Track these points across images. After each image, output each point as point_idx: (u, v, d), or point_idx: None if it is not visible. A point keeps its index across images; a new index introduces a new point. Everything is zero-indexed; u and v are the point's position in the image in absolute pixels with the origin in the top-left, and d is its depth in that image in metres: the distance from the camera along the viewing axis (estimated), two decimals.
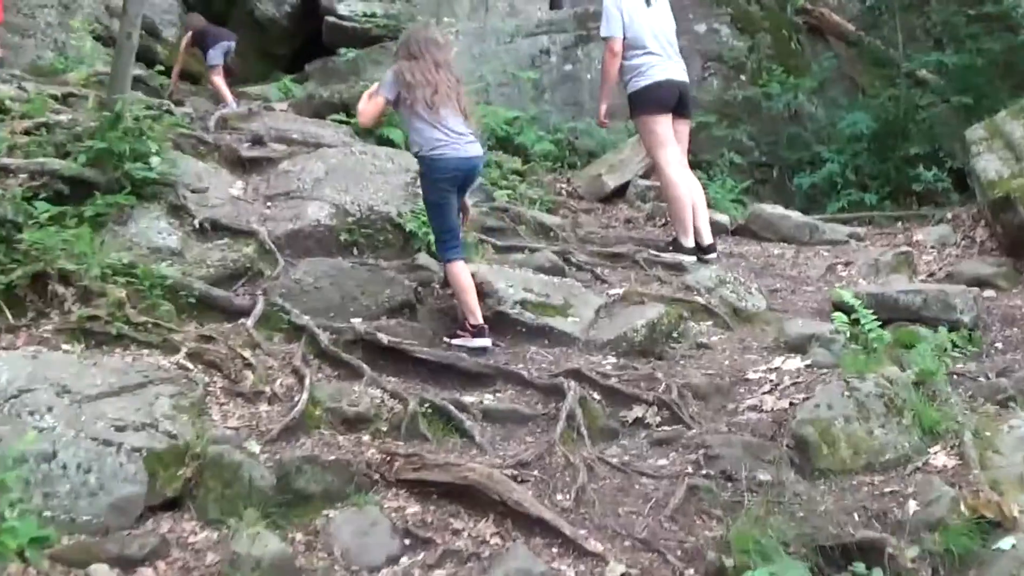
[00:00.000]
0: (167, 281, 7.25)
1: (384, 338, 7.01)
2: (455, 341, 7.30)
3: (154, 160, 8.46)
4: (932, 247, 10.81)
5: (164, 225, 8.21)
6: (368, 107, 7.63)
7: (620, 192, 12.86)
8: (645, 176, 12.97)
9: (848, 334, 7.14)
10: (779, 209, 11.62)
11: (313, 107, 12.71)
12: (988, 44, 13.60)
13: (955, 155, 13.06)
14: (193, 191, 8.68)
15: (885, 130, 13.86)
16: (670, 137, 9.68)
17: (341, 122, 12.10)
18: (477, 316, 7.32)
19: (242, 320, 7.16)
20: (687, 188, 9.65)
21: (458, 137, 7.34)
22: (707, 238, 9.77)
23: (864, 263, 10.08)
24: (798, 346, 7.49)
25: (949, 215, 11.70)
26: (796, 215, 11.45)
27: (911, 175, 13.28)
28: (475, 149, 7.48)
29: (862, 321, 6.80)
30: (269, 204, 9.08)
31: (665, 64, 9.69)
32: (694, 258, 9.55)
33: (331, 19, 16.29)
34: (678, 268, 9.23)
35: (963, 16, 13.95)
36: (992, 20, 13.79)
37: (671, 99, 9.70)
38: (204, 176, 9.18)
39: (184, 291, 7.30)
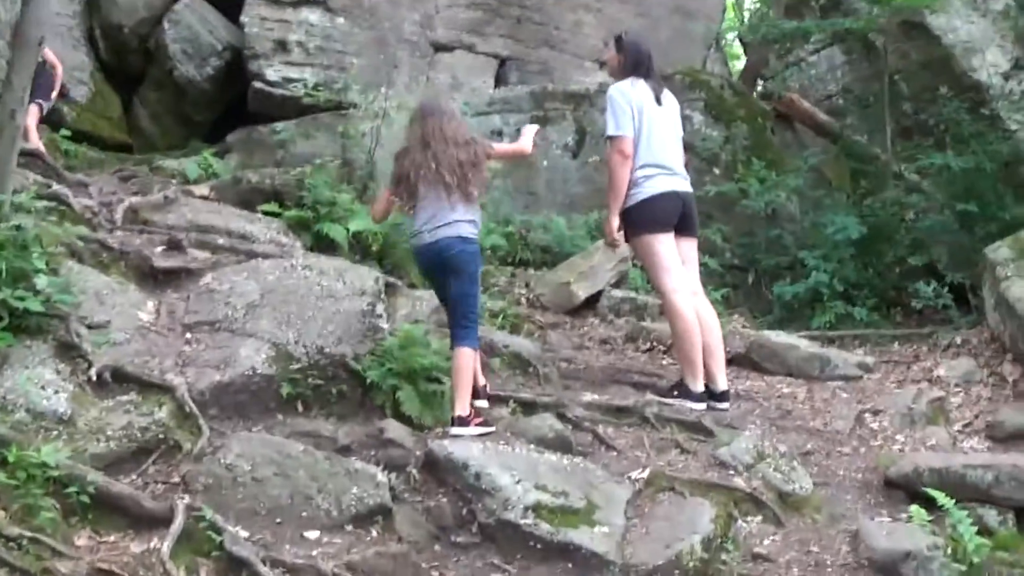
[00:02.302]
0: (52, 471, 5.02)
1: None
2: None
3: (40, 281, 6.27)
4: (957, 385, 8.89)
5: (50, 376, 5.95)
6: (378, 205, 7.42)
7: (590, 303, 10.77)
8: (617, 285, 11.00)
9: (948, 549, 5.49)
10: (784, 337, 9.62)
11: (240, 193, 10.44)
12: (996, 146, 11.71)
13: (954, 267, 11.34)
14: (90, 326, 6.35)
15: (873, 236, 11.99)
16: (675, 259, 7.79)
17: (272, 214, 9.89)
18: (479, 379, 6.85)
19: (155, 542, 4.90)
20: (698, 321, 7.74)
21: (438, 224, 6.75)
22: (721, 382, 7.86)
23: (895, 412, 8.17)
24: (888, 568, 5.52)
25: (959, 340, 9.84)
26: (804, 344, 9.46)
27: (906, 289, 11.47)
28: (445, 232, 6.73)
29: (953, 523, 5.58)
30: (189, 337, 6.84)
31: (666, 176, 7.85)
32: (704, 406, 7.65)
33: (258, 85, 13.97)
34: (700, 430, 7.19)
35: (966, 113, 12.05)
36: (996, 119, 11.95)
37: (674, 214, 7.85)
38: (106, 296, 6.95)
39: (75, 485, 5.07)
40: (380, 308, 7.34)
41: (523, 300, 10.85)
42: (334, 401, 6.62)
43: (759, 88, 15.35)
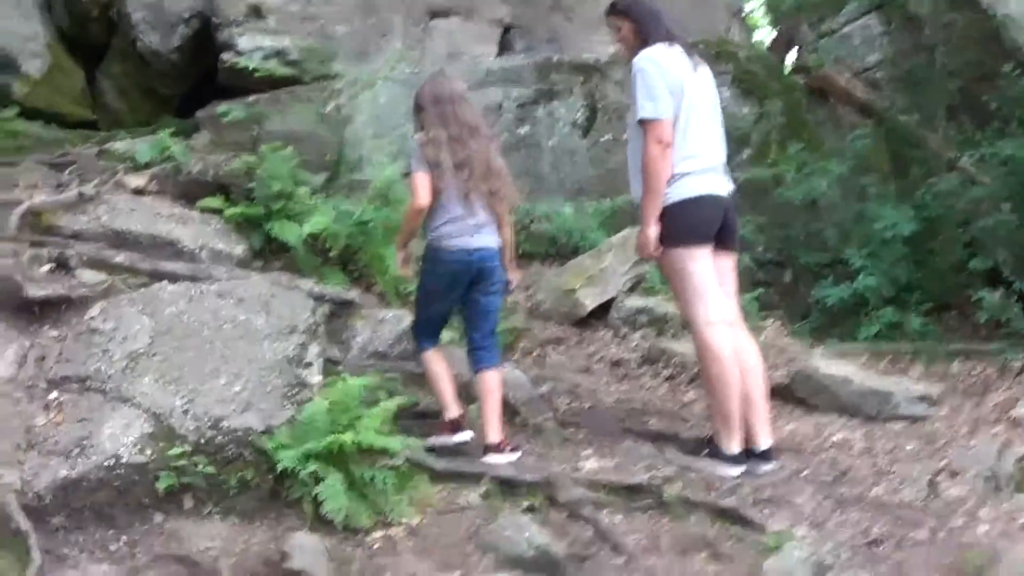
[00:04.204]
0: None
1: None
2: (433, 441, 5.79)
3: None
4: None
5: None
6: (418, 192, 5.79)
7: (600, 311, 8.89)
8: (632, 289, 9.09)
9: None
10: (834, 367, 7.68)
11: (181, 185, 8.49)
12: None
13: (1021, 274, 9.38)
14: None
15: (927, 233, 10.06)
16: (711, 282, 5.94)
17: (213, 211, 7.99)
18: (453, 408, 5.89)
19: None
20: (737, 362, 5.90)
21: (472, 225, 5.80)
22: (763, 439, 6.02)
23: (975, 473, 6.25)
24: None
25: None
26: (858, 377, 7.51)
27: (966, 296, 9.51)
28: (485, 240, 5.85)
29: None
30: (50, 400, 4.97)
31: (708, 175, 5.97)
32: (740, 470, 5.87)
33: (228, 55, 12.02)
34: (736, 519, 5.28)
35: None
36: None
37: (714, 223, 5.99)
38: None
39: None
40: (312, 352, 5.51)
41: (521, 306, 9.00)
42: (235, 493, 4.75)
43: (789, 61, 13.29)
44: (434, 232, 5.83)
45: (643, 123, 5.81)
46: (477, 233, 5.81)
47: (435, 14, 13.27)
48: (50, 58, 12.66)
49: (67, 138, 11.90)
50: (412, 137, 6.21)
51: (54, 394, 5.02)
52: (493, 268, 5.90)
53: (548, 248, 10.30)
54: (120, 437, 4.62)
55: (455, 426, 5.83)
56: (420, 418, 6.08)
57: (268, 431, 4.88)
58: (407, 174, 6.07)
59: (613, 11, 6.21)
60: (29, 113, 11.71)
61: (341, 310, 6.98)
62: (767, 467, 5.94)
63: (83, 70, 13.24)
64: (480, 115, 6.24)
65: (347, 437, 4.80)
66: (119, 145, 10.64)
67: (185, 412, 4.82)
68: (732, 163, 6.30)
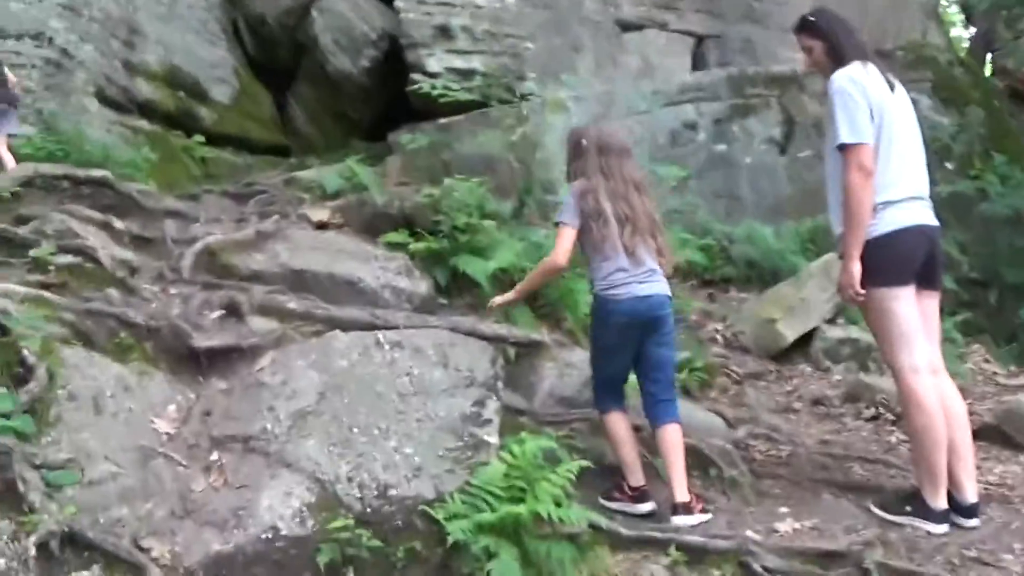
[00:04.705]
0: None
1: None
2: (612, 504, 5.47)
3: None
4: None
5: None
6: (560, 246, 5.55)
7: (800, 342, 8.38)
8: (833, 319, 8.50)
9: None
10: None
11: (365, 218, 8.24)
12: None
13: None
14: (43, 466, 4.23)
15: None
16: (915, 325, 5.35)
17: (397, 245, 7.68)
18: (638, 475, 5.51)
19: None
20: (943, 412, 5.31)
21: (643, 278, 5.46)
22: (970, 493, 5.41)
23: None
24: None
25: None
26: None
27: None
28: (659, 290, 5.51)
29: None
30: (211, 461, 4.68)
31: (913, 204, 5.40)
32: (945, 528, 5.30)
33: (417, 77, 11.82)
34: None
35: None
36: None
37: (919, 258, 5.38)
38: (111, 398, 4.86)
39: None
40: (491, 408, 5.08)
41: (719, 338, 8.55)
42: (402, 567, 4.35)
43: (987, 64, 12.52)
44: (602, 283, 5.51)
45: (843, 149, 5.28)
46: (648, 280, 5.48)
47: (626, 27, 12.89)
48: (238, 84, 12.75)
49: (256, 165, 11.94)
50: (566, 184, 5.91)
51: (215, 455, 4.73)
52: (666, 316, 5.57)
53: (747, 272, 9.92)
54: (280, 506, 4.28)
55: (639, 494, 5.47)
56: (605, 473, 5.65)
57: (439, 499, 4.49)
58: (557, 223, 5.62)
59: (803, 28, 5.68)
60: (217, 140, 11.76)
61: (527, 351, 6.56)
62: (972, 522, 5.37)
63: (272, 95, 13.26)
64: (644, 173, 5.99)
65: (523, 509, 4.37)
66: (306, 174, 10.53)
67: (351, 479, 4.45)
68: (932, 176, 5.70)
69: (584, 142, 5.67)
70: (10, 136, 9.57)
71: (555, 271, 5.77)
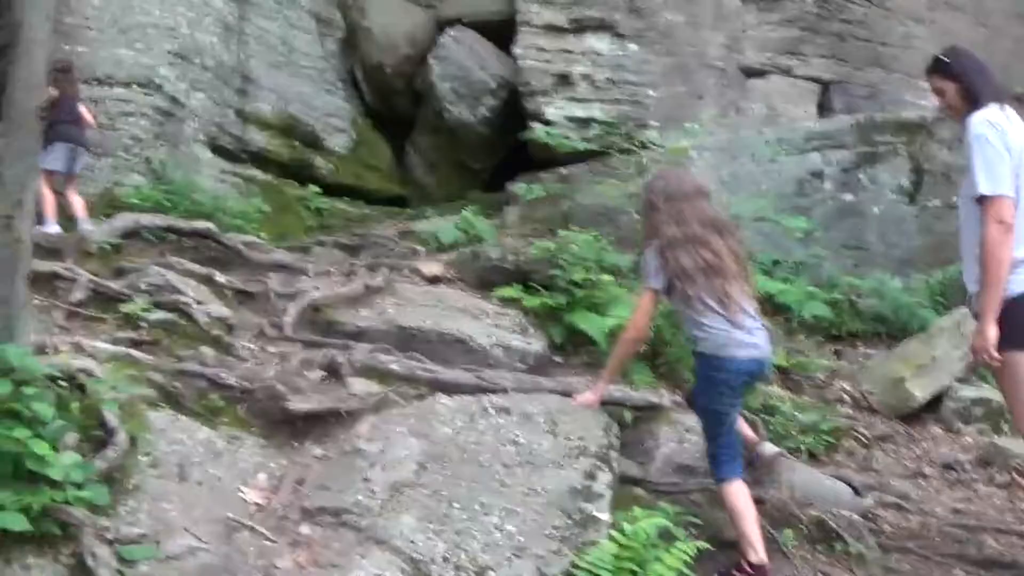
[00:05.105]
0: None
1: None
2: None
3: (54, 470, 3.87)
4: None
5: None
6: (638, 313, 5.29)
7: (931, 403, 7.86)
8: (964, 379, 7.98)
9: None
10: None
11: (479, 272, 7.99)
12: None
13: None
14: (119, 542, 3.96)
15: None
16: None
17: (511, 300, 7.41)
18: (759, 551, 4.86)
19: None
20: None
21: (747, 330, 5.02)
22: None
23: None
24: None
25: None
26: None
27: None
28: (763, 341, 5.08)
29: None
30: (300, 537, 4.34)
31: None
32: None
33: (535, 125, 11.58)
34: None
35: None
36: None
37: None
38: (198, 463, 4.60)
39: None
40: (603, 482, 4.70)
41: (845, 398, 8.09)
42: None
43: None
44: (704, 342, 5.08)
45: (982, 200, 4.80)
46: (754, 332, 5.10)
47: (750, 74, 12.53)
48: (355, 133, 12.64)
49: (372, 215, 11.78)
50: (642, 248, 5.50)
51: (305, 528, 4.40)
52: (767, 373, 5.39)
53: (875, 327, 9.43)
54: None
55: (759, 572, 4.97)
56: (724, 549, 5.21)
57: None
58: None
59: (936, 70, 5.19)
60: (334, 190, 11.61)
61: (644, 415, 6.16)
62: None
63: (389, 144, 13.13)
64: (721, 210, 5.66)
65: None
66: (421, 225, 10.30)
67: (447, 559, 4.07)
68: None
69: (651, 196, 5.31)
70: (74, 175, 9.30)
71: (635, 341, 5.39)
